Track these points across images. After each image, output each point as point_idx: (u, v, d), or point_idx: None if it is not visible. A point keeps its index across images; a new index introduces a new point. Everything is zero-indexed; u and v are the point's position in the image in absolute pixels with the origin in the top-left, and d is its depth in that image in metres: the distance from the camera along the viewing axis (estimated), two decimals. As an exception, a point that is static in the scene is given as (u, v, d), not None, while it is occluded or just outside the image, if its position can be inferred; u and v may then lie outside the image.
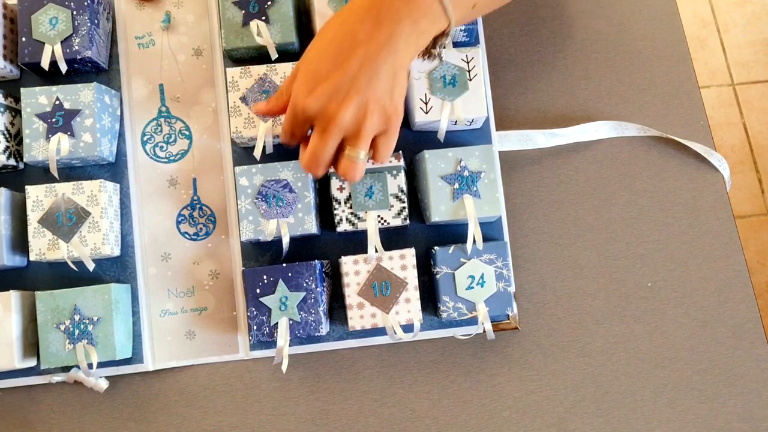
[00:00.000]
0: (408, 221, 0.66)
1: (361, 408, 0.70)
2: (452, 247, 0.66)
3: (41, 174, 0.71)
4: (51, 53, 0.67)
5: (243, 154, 0.72)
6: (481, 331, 0.66)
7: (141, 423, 0.69)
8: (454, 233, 0.71)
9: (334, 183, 0.66)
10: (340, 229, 0.66)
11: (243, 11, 0.68)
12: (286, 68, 0.67)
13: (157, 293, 0.71)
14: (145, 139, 0.73)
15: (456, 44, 0.71)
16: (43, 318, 0.64)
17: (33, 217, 0.65)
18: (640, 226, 0.73)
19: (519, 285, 0.72)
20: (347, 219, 0.66)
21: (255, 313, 0.64)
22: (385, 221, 0.66)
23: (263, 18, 0.68)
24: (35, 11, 0.68)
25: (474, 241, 0.65)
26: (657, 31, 0.77)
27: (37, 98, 0.67)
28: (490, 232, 0.71)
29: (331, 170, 0.64)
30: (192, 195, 0.72)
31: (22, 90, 0.67)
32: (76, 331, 0.64)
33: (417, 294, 0.65)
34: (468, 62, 0.67)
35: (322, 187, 0.70)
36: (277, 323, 0.64)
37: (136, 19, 0.74)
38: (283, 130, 0.59)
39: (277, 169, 0.66)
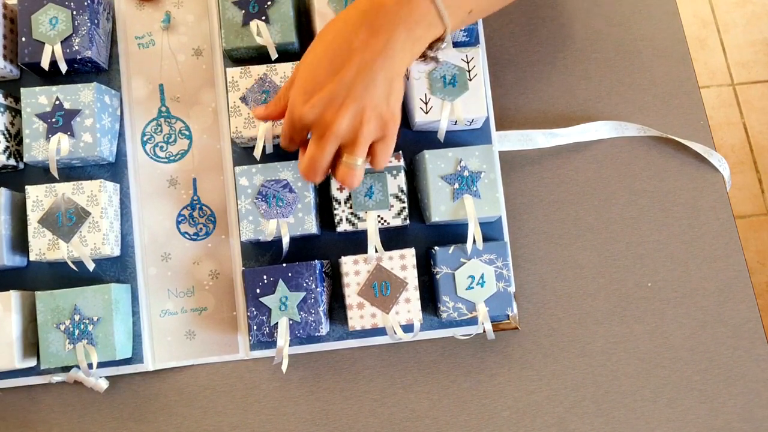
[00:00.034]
0: (408, 221, 0.66)
1: (361, 408, 0.70)
2: (452, 247, 0.66)
3: (41, 174, 0.71)
4: (51, 53, 0.67)
5: (243, 154, 0.72)
6: (481, 331, 0.66)
7: (141, 423, 0.69)
8: (454, 233, 0.71)
9: (334, 183, 0.66)
10: (340, 229, 0.66)
11: (243, 11, 0.68)
12: (286, 68, 0.67)
13: (157, 293, 0.71)
14: (145, 139, 0.73)
15: (456, 44, 0.71)
16: (43, 318, 0.64)
17: (33, 217, 0.65)
18: (640, 226, 0.73)
19: (519, 285, 0.72)
20: (347, 219, 0.66)
21: (255, 313, 0.64)
22: (385, 221, 0.66)
23: (263, 18, 0.68)
24: (35, 11, 0.68)
25: (474, 241, 0.65)
26: (657, 31, 0.77)
27: (37, 98, 0.67)
28: (490, 232, 0.71)
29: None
30: (192, 195, 0.72)
31: (22, 90, 0.67)
32: (76, 331, 0.64)
33: (417, 294, 0.65)
34: (468, 62, 0.67)
35: (322, 187, 0.70)
36: (277, 323, 0.64)
37: (136, 19, 0.74)
38: (282, 136, 0.60)
39: (277, 169, 0.66)
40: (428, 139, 0.71)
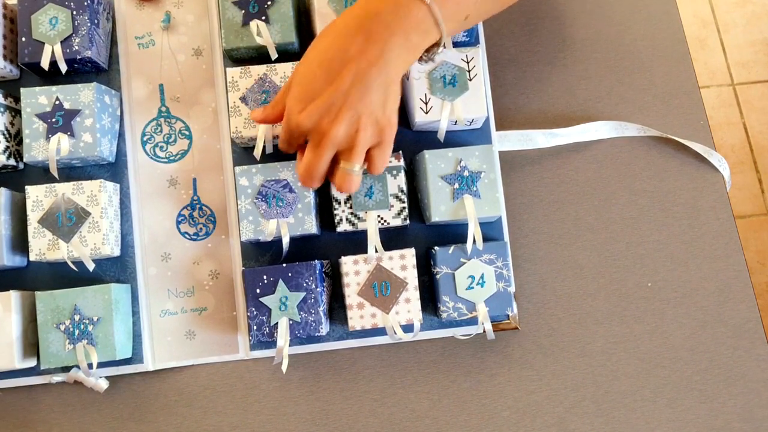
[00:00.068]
0: (408, 221, 0.66)
1: (361, 408, 0.70)
2: (452, 247, 0.66)
3: (41, 174, 0.71)
4: (51, 53, 0.67)
5: (243, 154, 0.72)
6: (481, 331, 0.66)
7: (141, 423, 0.69)
8: (454, 233, 0.71)
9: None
10: (340, 229, 0.66)
11: (243, 11, 0.68)
12: (286, 68, 0.67)
13: (157, 293, 0.71)
14: (145, 139, 0.73)
15: (456, 44, 0.71)
16: (43, 318, 0.64)
17: (33, 217, 0.65)
18: (640, 226, 0.73)
19: (519, 285, 0.72)
20: (347, 219, 0.66)
21: (255, 313, 0.64)
22: (385, 221, 0.66)
23: (263, 18, 0.68)
24: (35, 11, 0.68)
25: (474, 241, 0.65)
26: (657, 31, 0.77)
27: (37, 98, 0.67)
28: (490, 232, 0.71)
29: None
30: (192, 195, 0.72)
31: (22, 90, 0.67)
32: (76, 331, 0.64)
33: (417, 294, 0.65)
34: (468, 62, 0.67)
35: (323, 187, 0.70)
36: (277, 323, 0.64)
37: (136, 19, 0.74)
38: (280, 140, 0.60)
39: (277, 169, 0.66)
40: (428, 139, 0.71)
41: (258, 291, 0.64)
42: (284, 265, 0.65)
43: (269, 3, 0.68)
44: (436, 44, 0.58)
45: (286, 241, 0.65)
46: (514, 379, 0.70)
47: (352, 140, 0.55)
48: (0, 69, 0.69)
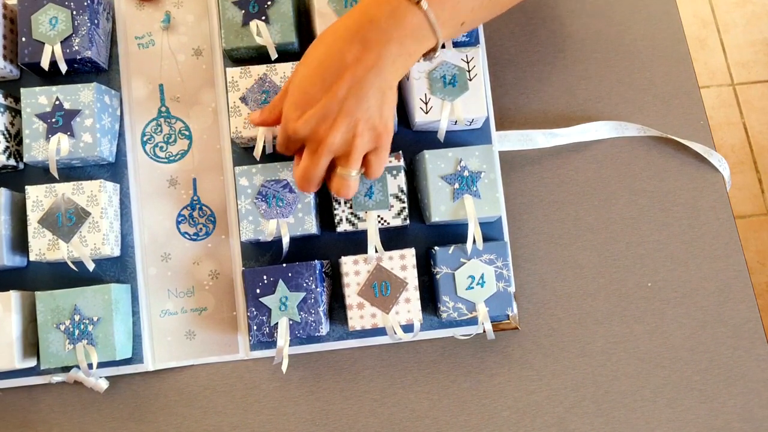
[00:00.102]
0: (408, 221, 0.66)
1: (361, 408, 0.70)
2: (452, 247, 0.66)
3: (41, 174, 0.71)
4: (51, 53, 0.67)
5: (243, 154, 0.72)
6: (481, 331, 0.66)
7: (141, 423, 0.69)
8: (454, 233, 0.71)
9: (334, 183, 0.66)
10: (340, 229, 0.66)
11: (243, 11, 0.68)
12: (286, 68, 0.67)
13: (157, 293, 0.71)
14: (145, 139, 0.73)
15: (456, 44, 0.71)
16: (43, 318, 0.64)
17: (33, 217, 0.65)
18: (640, 226, 0.73)
19: (519, 285, 0.72)
20: (347, 219, 0.66)
21: (255, 313, 0.64)
22: (385, 221, 0.66)
23: (263, 18, 0.68)
24: (35, 11, 0.68)
25: (474, 241, 0.65)
26: (657, 31, 0.77)
27: (37, 98, 0.67)
28: (490, 232, 0.71)
29: None
30: (192, 195, 0.72)
31: (22, 90, 0.67)
32: (76, 332, 0.64)
33: (417, 294, 0.65)
34: (468, 62, 0.67)
35: (323, 187, 0.70)
36: (277, 323, 0.64)
37: (136, 19, 0.74)
38: (277, 143, 0.60)
39: (277, 169, 0.66)
40: (428, 139, 0.71)
41: (258, 291, 0.64)
42: (284, 265, 0.65)
43: (269, 3, 0.68)
44: (433, 49, 0.58)
45: (286, 241, 0.65)
46: (514, 379, 0.70)
47: (349, 146, 0.56)
48: (0, 69, 0.69)
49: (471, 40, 0.72)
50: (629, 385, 0.70)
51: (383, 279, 0.64)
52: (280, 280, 0.64)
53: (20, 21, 0.68)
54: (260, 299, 0.64)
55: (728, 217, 0.73)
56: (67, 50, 0.67)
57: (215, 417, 0.69)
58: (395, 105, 0.57)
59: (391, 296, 0.64)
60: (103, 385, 0.68)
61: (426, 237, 0.71)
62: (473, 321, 0.69)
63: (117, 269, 0.70)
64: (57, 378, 0.68)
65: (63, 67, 0.68)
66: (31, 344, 0.67)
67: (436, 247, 0.66)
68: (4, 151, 0.68)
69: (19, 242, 0.68)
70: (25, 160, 0.67)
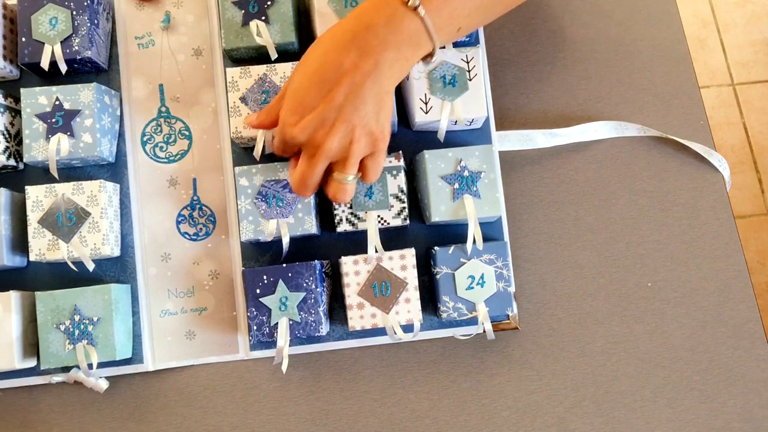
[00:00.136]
0: (408, 221, 0.66)
1: (361, 408, 0.70)
2: (452, 247, 0.66)
3: (41, 174, 0.71)
4: (51, 53, 0.67)
5: (243, 154, 0.72)
6: (481, 331, 0.66)
7: (141, 423, 0.69)
8: (454, 233, 0.71)
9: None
10: (340, 229, 0.66)
11: (243, 11, 0.68)
12: (285, 68, 0.67)
13: (157, 293, 0.71)
14: (144, 139, 0.73)
15: (456, 44, 0.71)
16: (43, 318, 0.64)
17: (33, 217, 0.65)
18: (640, 226, 0.73)
19: (519, 285, 0.72)
20: (347, 219, 0.66)
21: (255, 313, 0.64)
22: (385, 221, 0.66)
23: (263, 18, 0.68)
24: (35, 11, 0.68)
25: (474, 241, 0.65)
26: (657, 31, 0.77)
27: (37, 98, 0.67)
28: (490, 232, 0.71)
29: None
30: (192, 195, 0.72)
31: (22, 90, 0.67)
32: (76, 332, 0.64)
33: (417, 294, 0.65)
34: (468, 62, 0.67)
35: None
36: (277, 323, 0.64)
37: (135, 19, 0.74)
38: (273, 147, 0.61)
39: (277, 169, 0.66)
40: (428, 139, 0.71)
41: (258, 291, 0.64)
42: (284, 265, 0.65)
43: (269, 3, 0.68)
44: (429, 55, 0.58)
45: (286, 241, 0.65)
46: (514, 379, 0.70)
47: (346, 152, 0.56)
48: (0, 69, 0.69)
49: (471, 40, 0.72)
50: (629, 385, 0.70)
51: (383, 279, 0.64)
52: (280, 280, 0.64)
53: (20, 21, 0.68)
54: (260, 299, 0.64)
55: (728, 217, 0.73)
56: (67, 50, 0.67)
57: (215, 417, 0.69)
58: (392, 110, 0.57)
59: (391, 296, 0.64)
60: (103, 385, 0.68)
61: (426, 237, 0.71)
62: (473, 321, 0.69)
63: (117, 269, 0.70)
64: (57, 378, 0.68)
65: (63, 67, 0.68)
66: (31, 344, 0.67)
67: (436, 247, 0.66)
68: (4, 151, 0.68)
69: (19, 242, 0.68)
70: (25, 160, 0.67)
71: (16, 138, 0.70)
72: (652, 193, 0.74)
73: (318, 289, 0.64)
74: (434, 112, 0.66)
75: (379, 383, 0.70)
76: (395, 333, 0.64)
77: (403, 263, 0.65)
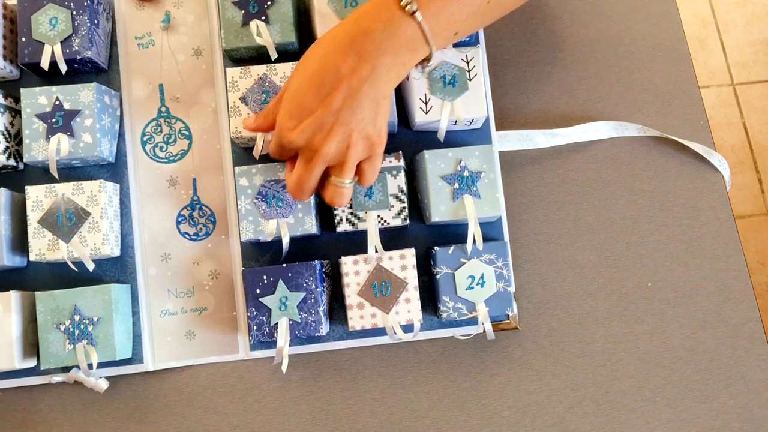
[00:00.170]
0: (408, 221, 0.66)
1: (361, 408, 0.70)
2: (452, 247, 0.66)
3: (41, 174, 0.71)
4: (51, 53, 0.67)
5: (243, 154, 0.72)
6: (481, 331, 0.66)
7: (141, 423, 0.69)
8: (454, 233, 0.71)
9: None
10: (340, 229, 0.66)
11: (243, 11, 0.68)
12: (285, 68, 0.67)
13: (157, 293, 0.71)
14: (144, 139, 0.73)
15: (456, 44, 0.71)
16: (43, 318, 0.64)
17: (33, 217, 0.65)
18: (640, 226, 0.73)
19: (519, 285, 0.72)
20: (347, 219, 0.66)
21: (255, 313, 0.64)
22: (385, 221, 0.66)
23: (263, 18, 0.68)
24: (35, 11, 0.68)
25: (474, 241, 0.65)
26: (657, 31, 0.77)
27: (36, 98, 0.67)
28: (490, 232, 0.71)
29: None
30: (192, 195, 0.72)
31: (22, 90, 0.67)
32: (76, 332, 0.64)
33: (417, 294, 0.65)
34: (468, 62, 0.67)
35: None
36: (277, 323, 0.64)
37: (135, 19, 0.74)
38: (270, 151, 0.61)
39: (277, 169, 0.66)
40: (428, 139, 0.71)
41: (258, 291, 0.64)
42: (284, 265, 0.65)
43: (269, 3, 0.68)
44: (426, 59, 0.59)
45: (286, 241, 0.65)
46: (514, 379, 0.70)
47: (343, 156, 0.56)
48: (0, 69, 0.69)
49: (471, 40, 0.72)
50: (629, 385, 0.70)
51: (383, 279, 0.64)
52: (280, 280, 0.64)
53: (20, 21, 0.68)
54: (260, 299, 0.64)
55: (728, 217, 0.73)
56: (67, 50, 0.67)
57: (215, 417, 0.69)
58: (389, 114, 0.58)
59: (391, 296, 0.64)
60: (103, 385, 0.68)
61: (426, 237, 0.71)
62: (473, 321, 0.69)
63: (117, 269, 0.70)
64: (57, 378, 0.68)
65: (63, 67, 0.68)
66: (31, 344, 0.67)
67: (436, 247, 0.66)
68: (4, 151, 0.68)
69: (19, 242, 0.68)
70: (25, 160, 0.67)
71: (16, 138, 0.70)
72: (652, 193, 0.74)
73: (318, 289, 0.64)
74: (434, 112, 0.66)
75: (379, 383, 0.70)
76: (395, 333, 0.64)
77: (403, 263, 0.65)
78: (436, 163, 0.65)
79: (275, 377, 0.70)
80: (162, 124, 0.73)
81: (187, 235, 0.71)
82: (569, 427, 0.69)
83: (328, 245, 0.71)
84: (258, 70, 0.67)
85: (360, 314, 0.64)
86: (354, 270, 0.65)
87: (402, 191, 0.66)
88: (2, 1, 0.70)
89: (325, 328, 0.65)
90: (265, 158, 0.67)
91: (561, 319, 0.71)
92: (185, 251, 0.71)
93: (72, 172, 0.71)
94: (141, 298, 0.70)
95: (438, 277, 0.65)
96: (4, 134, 0.68)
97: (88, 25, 0.68)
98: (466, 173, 0.65)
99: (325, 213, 0.70)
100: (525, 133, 0.73)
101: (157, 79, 0.73)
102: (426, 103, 0.66)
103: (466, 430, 0.69)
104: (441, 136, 0.68)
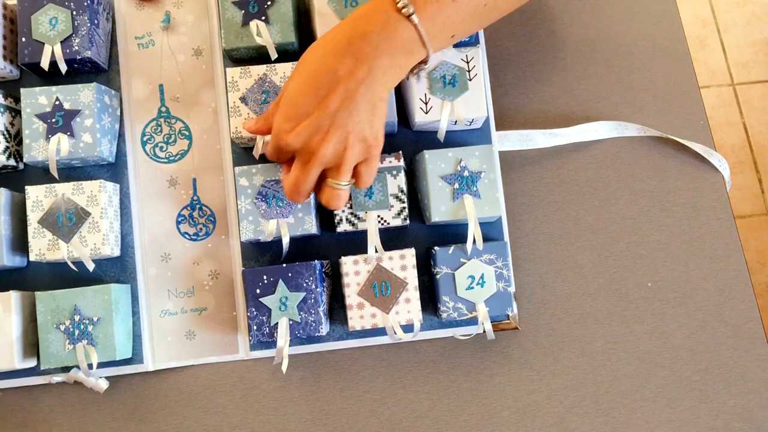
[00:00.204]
0: (408, 221, 0.66)
1: (361, 408, 0.70)
2: (452, 247, 0.66)
3: (41, 174, 0.71)
4: (51, 53, 0.67)
5: (243, 154, 0.72)
6: (481, 331, 0.66)
7: (141, 423, 0.69)
8: (454, 233, 0.71)
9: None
10: (340, 229, 0.66)
11: (243, 11, 0.68)
12: (285, 68, 0.67)
13: (157, 293, 0.71)
14: (144, 139, 0.73)
15: (456, 44, 0.71)
16: (43, 318, 0.64)
17: (33, 217, 0.65)
18: (640, 226, 0.73)
19: (519, 285, 0.72)
20: (347, 219, 0.66)
21: (255, 313, 0.64)
22: (385, 221, 0.66)
23: (263, 18, 0.68)
24: (35, 11, 0.68)
25: (474, 241, 0.65)
26: (657, 31, 0.77)
27: (37, 98, 0.67)
28: (490, 232, 0.71)
29: None
30: (192, 195, 0.72)
31: (22, 90, 0.67)
32: (76, 332, 0.64)
33: (417, 294, 0.65)
34: (468, 62, 0.67)
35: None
36: (277, 323, 0.64)
37: (135, 19, 0.74)
38: (268, 153, 0.61)
39: (276, 169, 0.66)
40: (428, 139, 0.71)
41: (258, 291, 0.64)
42: (284, 265, 0.65)
43: (269, 3, 0.68)
44: (423, 62, 0.59)
45: (286, 241, 0.65)
46: (514, 379, 0.70)
47: (340, 158, 0.56)
48: (0, 69, 0.69)
49: (471, 40, 0.72)
50: (629, 385, 0.70)
51: (383, 279, 0.64)
52: (280, 280, 0.64)
53: (20, 21, 0.68)
54: (260, 299, 0.64)
55: (728, 217, 0.73)
56: (67, 50, 0.67)
57: (215, 417, 0.69)
58: (385, 116, 0.58)
59: (391, 296, 0.64)
60: (103, 385, 0.68)
61: (426, 237, 0.71)
62: (473, 321, 0.69)
63: (117, 269, 0.70)
64: (57, 378, 0.68)
65: (63, 67, 0.68)
66: (31, 344, 0.67)
67: (436, 247, 0.66)
68: (4, 151, 0.68)
69: (19, 242, 0.68)
70: (25, 160, 0.67)
71: (16, 138, 0.70)
72: (652, 193, 0.74)
73: (318, 289, 0.64)
74: (434, 112, 0.66)
75: (379, 383, 0.70)
76: (395, 333, 0.64)
77: (403, 263, 0.65)
78: (436, 163, 0.65)
79: (275, 377, 0.70)
80: (162, 124, 0.73)
81: (187, 235, 0.71)
82: (569, 427, 0.69)
83: (328, 245, 0.71)
84: (258, 70, 0.67)
85: (360, 314, 0.64)
86: (354, 270, 0.65)
87: (402, 191, 0.66)
88: (2, 1, 0.70)
89: (325, 328, 0.65)
90: (265, 158, 0.67)
91: (561, 319, 0.71)
92: (185, 251, 0.71)
93: (72, 172, 0.71)
94: (141, 298, 0.70)
95: (438, 277, 0.65)
96: (4, 134, 0.68)
97: (88, 25, 0.68)
98: (466, 173, 0.65)
99: (325, 213, 0.70)
100: (525, 133, 0.73)
101: (157, 79, 0.73)
102: (426, 103, 0.66)
103: (466, 430, 0.69)
104: (441, 136, 0.68)
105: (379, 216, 0.66)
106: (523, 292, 0.72)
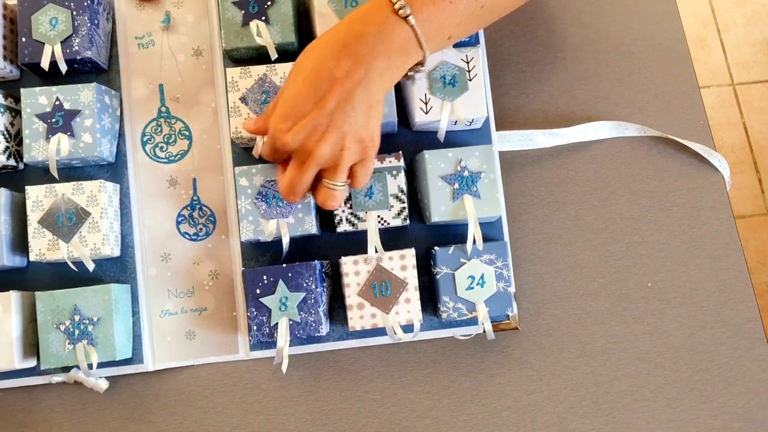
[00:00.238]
0: (408, 221, 0.66)
1: (361, 408, 0.70)
2: (452, 248, 0.66)
3: (41, 174, 0.71)
4: (51, 53, 0.67)
5: (243, 154, 0.72)
6: (481, 331, 0.66)
7: (141, 423, 0.69)
8: (454, 233, 0.71)
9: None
10: (340, 229, 0.66)
11: (243, 11, 0.68)
12: (285, 68, 0.67)
13: (157, 293, 0.71)
14: (144, 139, 0.73)
15: (456, 44, 0.71)
16: (43, 318, 0.64)
17: (33, 217, 0.65)
18: (640, 226, 0.73)
19: (519, 285, 0.72)
20: (347, 219, 0.66)
21: (255, 313, 0.64)
22: (385, 221, 0.66)
23: (263, 18, 0.68)
24: (35, 11, 0.68)
25: (474, 241, 0.65)
26: (657, 31, 0.77)
27: (37, 98, 0.67)
28: (490, 232, 0.71)
29: None
30: (192, 195, 0.72)
31: (22, 90, 0.67)
32: (76, 332, 0.64)
33: (417, 294, 0.65)
34: (468, 62, 0.67)
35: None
36: (277, 323, 0.64)
37: (136, 19, 0.74)
38: (264, 153, 0.61)
39: (276, 169, 0.66)
40: (428, 139, 0.71)
41: (258, 291, 0.64)
42: (284, 265, 0.65)
43: (269, 3, 0.68)
44: (420, 63, 0.59)
45: (286, 241, 0.65)
46: (514, 379, 0.70)
47: (336, 159, 0.56)
48: (0, 69, 0.69)
49: (471, 40, 0.72)
50: (629, 385, 0.70)
51: (383, 279, 0.64)
52: (280, 280, 0.64)
53: (20, 21, 0.68)
54: (260, 299, 0.64)
55: (728, 217, 0.73)
56: (67, 50, 0.67)
57: (215, 417, 0.69)
58: (382, 117, 0.58)
59: (391, 296, 0.64)
60: (103, 385, 0.68)
61: (426, 237, 0.71)
62: (473, 321, 0.69)
63: (117, 269, 0.70)
64: (57, 378, 0.68)
65: (63, 68, 0.68)
66: (31, 344, 0.67)
67: (436, 247, 0.66)
68: (4, 151, 0.68)
69: (19, 242, 0.68)
70: (25, 160, 0.67)
71: (16, 138, 0.70)
72: (652, 193, 0.74)
73: (318, 289, 0.64)
74: (434, 112, 0.66)
75: (379, 383, 0.70)
76: (395, 333, 0.64)
77: (403, 263, 0.65)
78: (436, 163, 0.65)
79: (275, 377, 0.70)
80: (162, 124, 0.73)
81: (187, 235, 0.71)
82: (569, 427, 0.69)
83: (328, 245, 0.71)
84: (258, 70, 0.67)
85: (360, 314, 0.64)
86: (354, 270, 0.65)
87: (402, 191, 0.66)
88: (2, 1, 0.70)
89: (325, 328, 0.65)
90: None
91: (561, 319, 0.71)
92: (185, 251, 0.71)
93: (72, 172, 0.71)
94: (141, 298, 0.70)
95: (438, 277, 0.65)
96: (4, 134, 0.68)
97: (88, 25, 0.68)
98: (466, 173, 0.65)
99: (325, 213, 0.70)
100: (525, 133, 0.73)
101: (157, 79, 0.73)
102: (426, 103, 0.66)
103: (466, 430, 0.69)
104: (441, 136, 0.68)
105: (379, 216, 0.66)
106: (523, 292, 0.72)
